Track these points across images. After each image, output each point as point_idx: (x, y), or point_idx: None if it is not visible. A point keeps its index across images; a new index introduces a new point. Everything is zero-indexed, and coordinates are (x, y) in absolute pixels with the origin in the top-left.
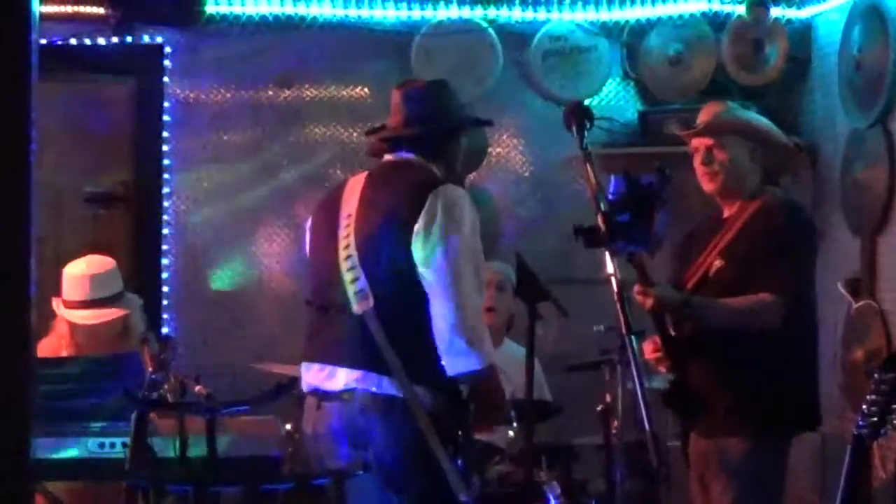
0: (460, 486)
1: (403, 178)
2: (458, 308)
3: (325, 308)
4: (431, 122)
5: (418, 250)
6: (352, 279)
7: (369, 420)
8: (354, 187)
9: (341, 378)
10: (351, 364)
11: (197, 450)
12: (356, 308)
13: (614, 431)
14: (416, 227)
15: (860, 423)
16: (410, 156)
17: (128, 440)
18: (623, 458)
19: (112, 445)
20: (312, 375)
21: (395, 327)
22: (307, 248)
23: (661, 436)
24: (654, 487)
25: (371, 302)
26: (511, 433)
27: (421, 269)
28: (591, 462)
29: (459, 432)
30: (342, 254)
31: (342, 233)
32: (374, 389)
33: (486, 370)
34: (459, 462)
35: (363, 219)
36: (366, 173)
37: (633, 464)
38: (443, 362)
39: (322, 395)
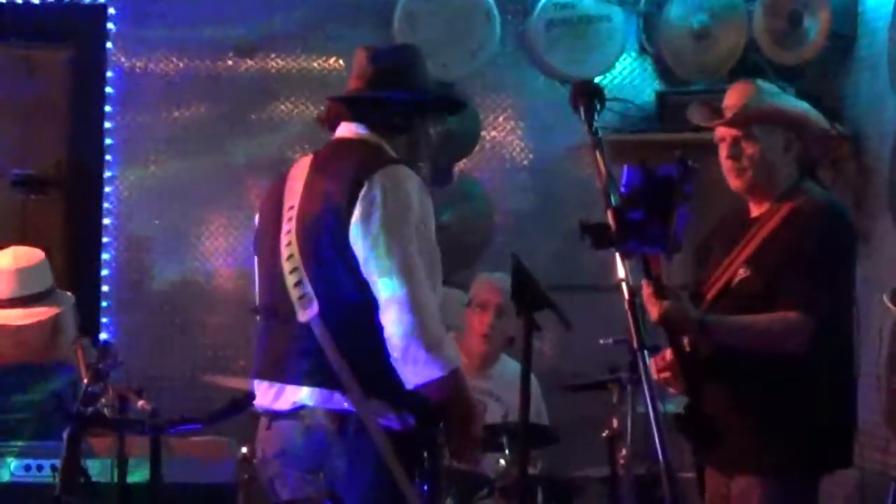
0: None
1: (345, 159)
2: (411, 310)
3: (270, 316)
4: (396, 89)
5: (357, 246)
6: (294, 282)
7: (321, 441)
8: (299, 173)
9: (290, 396)
10: (299, 380)
11: (138, 474)
12: (301, 316)
13: (622, 462)
14: (353, 218)
15: None
16: (363, 131)
17: (58, 462)
18: (632, 492)
19: (39, 468)
20: (261, 394)
21: (344, 336)
22: (254, 245)
23: (676, 467)
24: None
25: (316, 308)
26: (502, 461)
27: (363, 268)
28: (594, 497)
29: (425, 453)
30: (284, 253)
31: (284, 228)
32: (325, 406)
33: (450, 378)
34: (424, 487)
35: (304, 211)
36: (311, 155)
37: (643, 499)
38: (399, 373)
39: (272, 415)
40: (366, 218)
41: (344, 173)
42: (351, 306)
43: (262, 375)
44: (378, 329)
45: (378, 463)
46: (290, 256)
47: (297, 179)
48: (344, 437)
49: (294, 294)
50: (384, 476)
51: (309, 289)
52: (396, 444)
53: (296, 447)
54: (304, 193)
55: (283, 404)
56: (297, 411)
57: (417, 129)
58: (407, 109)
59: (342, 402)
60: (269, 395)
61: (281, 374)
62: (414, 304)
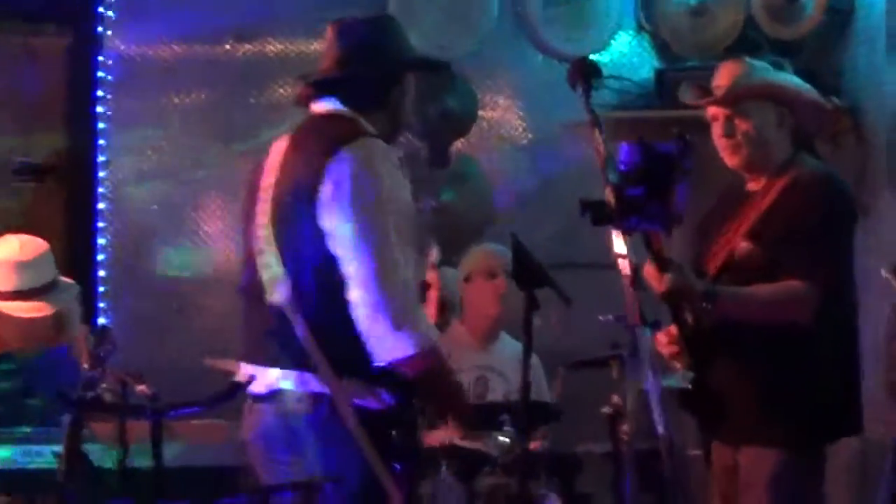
0: (396, 496)
1: (317, 135)
2: (379, 286)
3: (249, 298)
4: (368, 64)
5: (326, 222)
6: (267, 263)
7: (297, 425)
8: (277, 151)
9: (266, 379)
10: (275, 362)
11: (140, 459)
12: (274, 297)
13: (624, 437)
14: (322, 194)
15: None
16: (338, 106)
17: (60, 448)
18: (634, 468)
19: (40, 455)
20: (243, 377)
21: (316, 316)
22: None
23: (679, 443)
24: (668, 502)
25: (287, 289)
26: (504, 439)
27: (332, 244)
28: (597, 473)
29: (393, 432)
30: (259, 233)
31: (260, 208)
32: (299, 389)
33: (422, 355)
34: (396, 467)
35: (278, 189)
36: (290, 133)
37: (645, 475)
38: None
39: (254, 398)
40: (334, 194)
41: (315, 149)
42: (323, 285)
43: (245, 357)
44: (350, 307)
45: (354, 445)
46: (263, 237)
47: (274, 158)
48: (319, 419)
49: (266, 275)
50: (361, 458)
51: (280, 269)
52: (374, 424)
53: (273, 431)
54: (278, 172)
55: (261, 388)
56: (273, 395)
57: (394, 100)
58: (380, 84)
59: (317, 385)
60: (256, 378)
61: (258, 356)
62: (381, 281)
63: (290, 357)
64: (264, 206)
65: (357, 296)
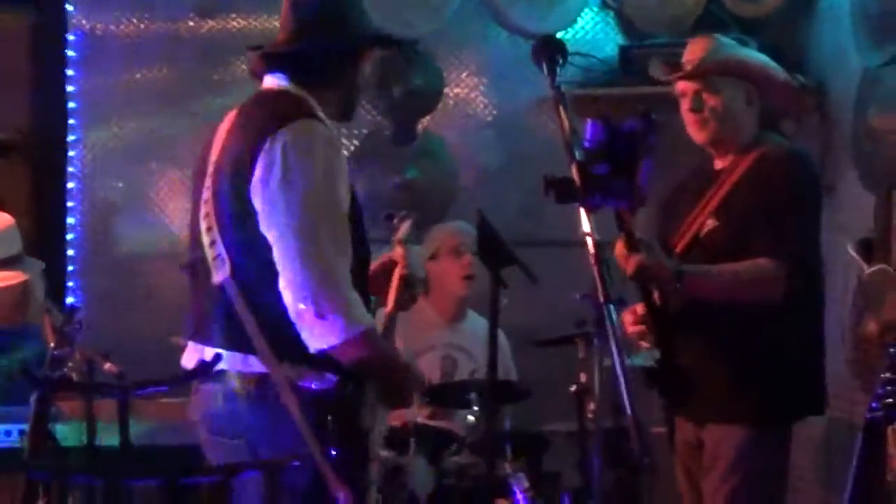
0: (333, 480)
1: (258, 112)
2: (303, 271)
3: (194, 275)
4: (322, 38)
5: (257, 202)
6: (210, 242)
7: (240, 406)
8: (223, 127)
9: (198, 355)
10: (216, 343)
11: (107, 438)
12: (215, 276)
13: (590, 416)
14: (255, 174)
15: (873, 405)
16: (284, 82)
17: (26, 426)
18: (600, 446)
19: (8, 433)
20: (188, 355)
21: (256, 297)
22: None
23: (645, 421)
24: (635, 480)
25: (227, 269)
26: (471, 418)
27: (262, 226)
28: (563, 451)
29: (329, 416)
30: (202, 211)
31: (205, 184)
32: (242, 370)
33: (352, 342)
34: (332, 452)
35: (218, 167)
36: (236, 109)
37: (611, 453)
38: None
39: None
40: (266, 174)
41: (253, 128)
42: (262, 267)
43: (190, 336)
44: None
45: (297, 427)
46: (207, 215)
47: (220, 135)
48: (262, 401)
49: (209, 254)
50: (303, 440)
51: (221, 249)
52: (315, 406)
53: (216, 412)
54: (220, 150)
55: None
56: (217, 375)
57: (347, 77)
58: (333, 60)
59: (258, 366)
60: (194, 357)
61: (202, 336)
62: (305, 266)
63: (233, 337)
64: (208, 181)
65: (285, 280)
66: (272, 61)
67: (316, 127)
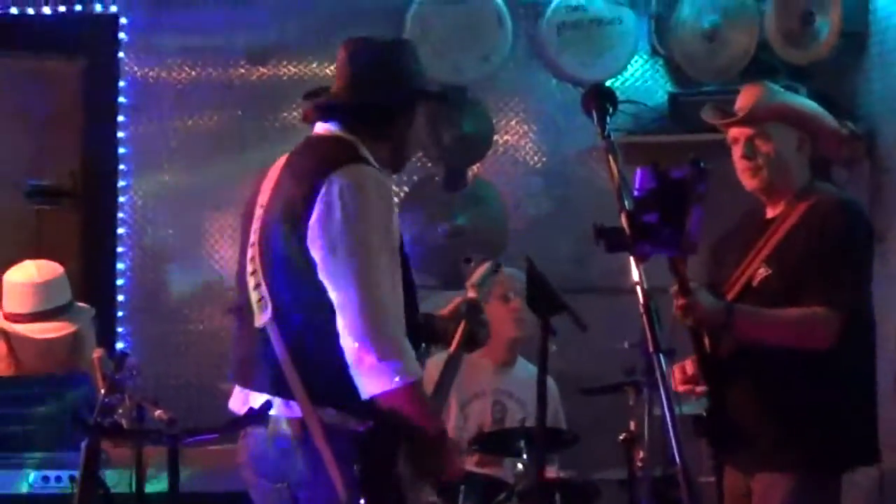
0: None
1: (310, 157)
2: (364, 316)
3: (240, 319)
4: (376, 91)
5: (315, 248)
6: (254, 285)
7: (284, 449)
8: (273, 172)
9: (255, 402)
10: (261, 387)
11: (156, 484)
12: (258, 320)
13: (639, 464)
14: (311, 219)
15: None
16: (337, 129)
17: (76, 473)
18: (649, 495)
19: (58, 479)
20: (235, 399)
21: (298, 342)
22: None
23: (694, 470)
24: None
25: (270, 312)
26: (520, 466)
27: (320, 271)
28: (613, 499)
29: (356, 466)
30: (249, 254)
31: (253, 227)
32: (286, 415)
33: (405, 389)
34: (361, 501)
35: (268, 211)
36: (288, 154)
37: (660, 501)
38: (356, 382)
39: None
40: (323, 219)
41: (305, 173)
42: (307, 311)
43: (235, 380)
44: (332, 335)
45: (338, 472)
46: (253, 258)
47: (270, 179)
48: (304, 446)
49: (254, 297)
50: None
51: (265, 292)
52: (353, 452)
53: (262, 455)
54: (270, 193)
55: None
56: (264, 418)
57: (399, 129)
58: (386, 113)
59: (299, 412)
60: (240, 401)
61: (247, 379)
62: (368, 310)
63: (275, 382)
64: (256, 225)
65: (343, 324)
66: (325, 111)
67: (367, 171)
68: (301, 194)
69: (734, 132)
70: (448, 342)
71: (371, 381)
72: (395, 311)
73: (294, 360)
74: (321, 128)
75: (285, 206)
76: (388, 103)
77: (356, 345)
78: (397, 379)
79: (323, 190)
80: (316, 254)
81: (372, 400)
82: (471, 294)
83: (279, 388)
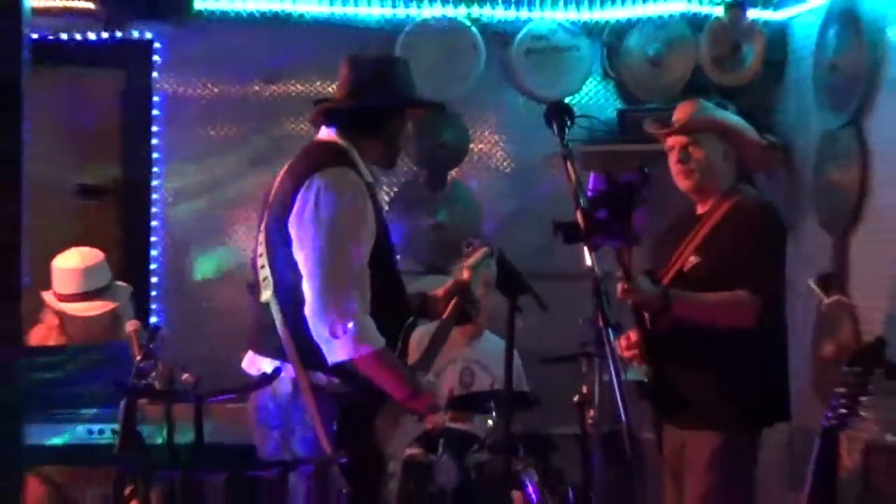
0: (336, 476)
1: (305, 159)
2: (320, 296)
3: (252, 294)
4: (372, 97)
5: (293, 234)
6: (261, 265)
7: (282, 404)
8: (280, 173)
9: (262, 365)
10: (266, 352)
11: (184, 436)
12: (263, 295)
13: (590, 422)
14: (292, 213)
15: (829, 415)
16: (333, 135)
17: (117, 427)
18: (599, 448)
19: (101, 432)
20: (246, 362)
21: (291, 314)
22: None
23: (636, 427)
24: (628, 477)
25: (271, 289)
26: (490, 423)
27: (294, 253)
28: (567, 451)
29: (335, 423)
30: (259, 239)
31: (264, 217)
32: (286, 375)
33: (362, 359)
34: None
35: (271, 206)
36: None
37: (608, 454)
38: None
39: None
40: (300, 212)
41: (296, 174)
42: (296, 289)
43: (248, 346)
44: None
45: (327, 426)
46: (260, 243)
47: (277, 179)
48: (297, 401)
49: (261, 276)
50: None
51: (268, 272)
52: (334, 408)
53: (264, 407)
54: (274, 191)
55: (257, 372)
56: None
57: (391, 129)
58: (378, 115)
59: (293, 372)
60: (251, 363)
61: (257, 346)
62: (324, 292)
63: (276, 347)
64: (265, 216)
65: (307, 302)
66: (328, 115)
67: (347, 174)
68: (290, 190)
69: (671, 141)
70: (440, 317)
71: (329, 352)
72: (352, 293)
73: (289, 330)
74: (323, 133)
75: (280, 200)
76: (380, 108)
77: (313, 320)
78: (352, 353)
79: (304, 187)
80: (293, 241)
81: (347, 365)
82: (465, 274)
83: (279, 353)
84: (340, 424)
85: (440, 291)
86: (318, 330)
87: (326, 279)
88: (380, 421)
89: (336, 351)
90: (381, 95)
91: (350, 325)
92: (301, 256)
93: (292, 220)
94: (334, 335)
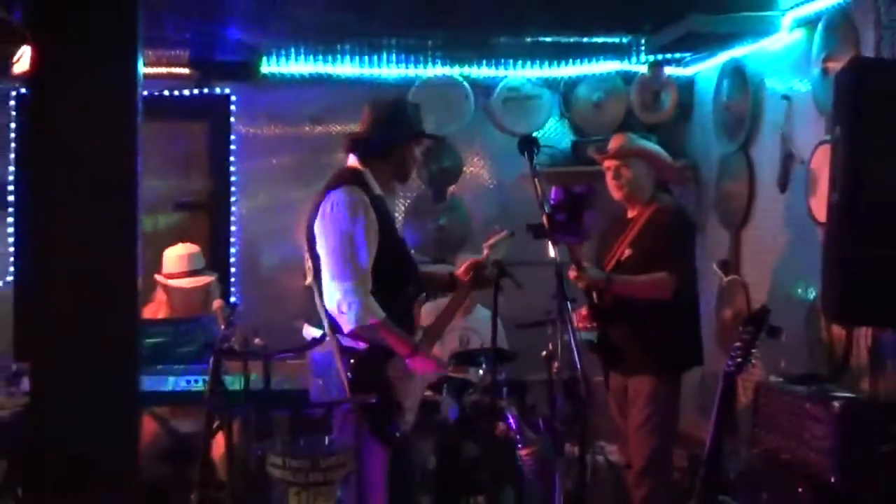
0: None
1: (330, 181)
2: (331, 281)
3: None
4: (384, 129)
5: (316, 237)
6: (306, 258)
7: (322, 361)
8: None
9: (311, 333)
10: (312, 322)
11: (256, 384)
12: (307, 280)
13: (555, 371)
14: (316, 218)
15: (729, 363)
16: (355, 160)
17: (207, 378)
18: (561, 389)
19: (196, 381)
20: (305, 330)
21: (322, 292)
22: None
23: (589, 374)
24: (583, 411)
25: (311, 276)
26: (480, 372)
27: (318, 250)
28: (538, 393)
29: (349, 373)
30: (305, 240)
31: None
32: (326, 339)
33: (360, 329)
34: (371, 399)
35: (309, 213)
36: None
37: (568, 394)
38: None
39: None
40: (321, 218)
41: (324, 189)
42: (322, 273)
43: (306, 319)
44: None
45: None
46: (306, 242)
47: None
48: (332, 358)
49: (306, 266)
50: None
51: (309, 263)
52: (354, 362)
53: (314, 361)
54: (312, 201)
55: (309, 337)
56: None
57: (399, 155)
58: (386, 143)
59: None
60: (307, 331)
61: (307, 318)
62: (334, 277)
63: (319, 319)
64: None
65: (324, 286)
66: (351, 144)
67: (353, 191)
68: (317, 203)
69: (607, 163)
70: (464, 287)
71: (342, 324)
72: (352, 280)
73: (324, 306)
74: (350, 159)
75: (312, 210)
76: (386, 138)
77: (328, 300)
78: (355, 323)
79: (324, 200)
80: (317, 240)
81: (357, 332)
82: (486, 251)
83: (320, 323)
84: (355, 374)
85: (458, 271)
86: (331, 308)
87: (334, 270)
88: (391, 371)
89: (344, 323)
90: (389, 129)
91: (350, 303)
92: (321, 252)
93: (316, 224)
94: (341, 311)
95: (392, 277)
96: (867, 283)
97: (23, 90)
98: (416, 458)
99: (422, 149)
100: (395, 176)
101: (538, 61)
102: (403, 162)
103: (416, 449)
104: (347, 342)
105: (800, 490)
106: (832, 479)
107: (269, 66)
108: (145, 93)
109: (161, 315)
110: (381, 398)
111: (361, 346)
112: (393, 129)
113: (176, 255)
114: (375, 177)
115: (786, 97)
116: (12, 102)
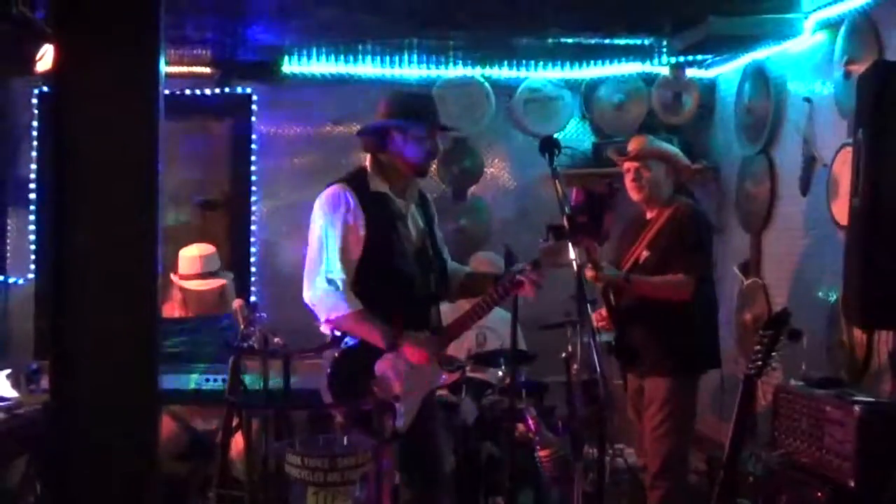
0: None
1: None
2: (306, 275)
3: None
4: (378, 118)
5: None
6: None
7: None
8: None
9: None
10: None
11: (275, 383)
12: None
13: (574, 372)
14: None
15: (749, 366)
16: (367, 159)
17: (226, 376)
18: (580, 391)
19: (215, 380)
20: (323, 329)
21: None
22: None
23: (608, 376)
24: (602, 412)
25: None
26: (500, 373)
27: None
28: (557, 394)
29: (330, 368)
30: None
31: None
32: (344, 338)
33: (330, 321)
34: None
35: None
36: None
37: (587, 395)
38: None
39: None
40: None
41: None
42: None
43: None
44: None
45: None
46: None
47: None
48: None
49: None
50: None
51: None
52: (342, 356)
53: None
54: None
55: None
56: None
57: (392, 144)
58: (378, 127)
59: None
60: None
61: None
62: (308, 272)
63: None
64: None
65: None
66: (363, 140)
67: (339, 189)
68: None
69: (627, 165)
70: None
71: (317, 315)
72: (324, 274)
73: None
74: (363, 158)
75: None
76: (379, 128)
77: (305, 293)
78: (324, 315)
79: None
80: None
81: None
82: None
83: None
84: (334, 368)
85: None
86: (306, 300)
87: (308, 264)
88: (378, 364)
89: (318, 314)
90: (384, 117)
91: (320, 296)
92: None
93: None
94: (311, 304)
95: (381, 273)
96: (888, 287)
97: (45, 89)
98: (443, 450)
99: (446, 145)
100: (404, 167)
101: (559, 62)
102: (401, 151)
103: (442, 437)
104: (348, 338)
105: (819, 494)
106: (852, 484)
107: (291, 66)
108: (167, 92)
109: (177, 314)
110: (365, 395)
111: (353, 341)
112: (387, 116)
113: (190, 257)
114: (382, 172)
115: (808, 100)
116: (35, 101)
